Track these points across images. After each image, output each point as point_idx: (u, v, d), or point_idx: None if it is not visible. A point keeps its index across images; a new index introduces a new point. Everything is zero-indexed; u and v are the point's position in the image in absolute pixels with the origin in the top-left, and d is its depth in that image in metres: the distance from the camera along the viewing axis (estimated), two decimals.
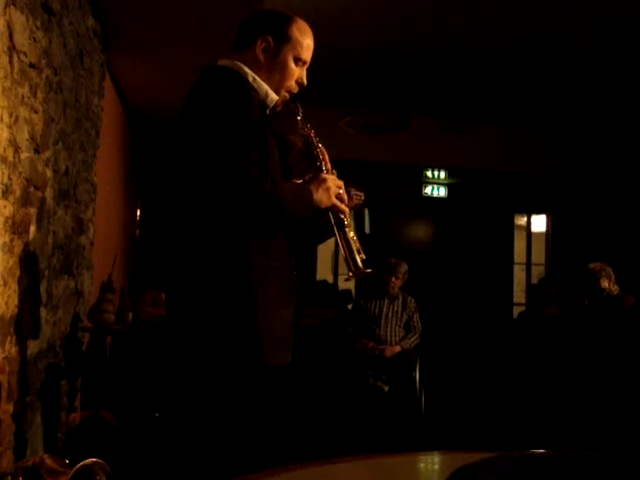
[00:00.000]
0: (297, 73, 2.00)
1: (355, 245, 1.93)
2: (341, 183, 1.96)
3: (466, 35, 5.19)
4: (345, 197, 1.97)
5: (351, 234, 1.94)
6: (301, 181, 1.99)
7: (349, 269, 1.93)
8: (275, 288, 1.85)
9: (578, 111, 6.98)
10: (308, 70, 2.05)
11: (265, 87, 1.95)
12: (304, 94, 2.09)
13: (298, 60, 1.99)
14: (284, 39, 1.96)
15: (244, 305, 1.78)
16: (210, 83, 1.85)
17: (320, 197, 1.89)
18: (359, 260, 1.91)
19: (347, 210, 1.97)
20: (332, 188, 1.91)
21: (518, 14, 4.77)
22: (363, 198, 2.19)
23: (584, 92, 6.37)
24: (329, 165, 2.01)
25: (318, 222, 2.01)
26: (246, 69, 1.93)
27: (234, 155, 1.71)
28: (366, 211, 2.77)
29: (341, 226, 1.94)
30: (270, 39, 1.96)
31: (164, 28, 4.48)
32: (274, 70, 1.97)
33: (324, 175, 1.94)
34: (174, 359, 1.94)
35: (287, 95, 2.02)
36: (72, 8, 3.55)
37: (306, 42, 1.99)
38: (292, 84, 2.01)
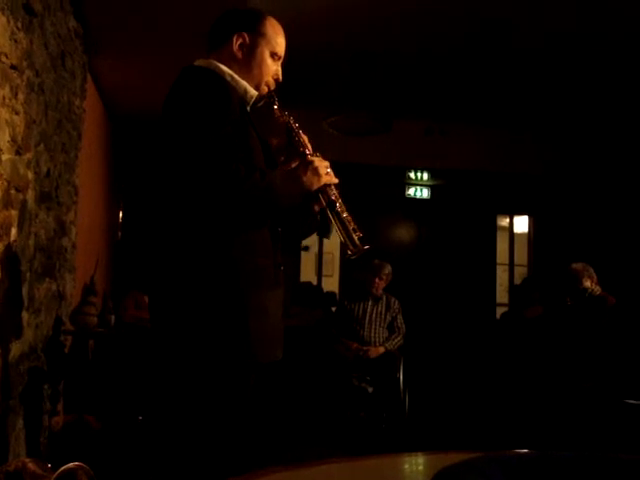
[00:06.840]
0: (273, 68, 2.02)
1: (350, 224, 1.90)
2: (327, 163, 1.93)
3: (448, 37, 5.21)
4: (333, 176, 1.94)
5: (344, 214, 1.91)
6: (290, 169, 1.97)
7: (347, 248, 1.89)
8: (262, 285, 1.85)
9: (560, 113, 7.03)
10: (291, 71, 2.06)
11: (243, 84, 1.96)
12: (288, 95, 2.09)
13: (274, 54, 2.01)
14: (259, 35, 1.99)
15: (232, 303, 1.78)
16: (188, 84, 1.85)
17: (310, 179, 1.86)
18: (356, 238, 1.88)
19: (337, 182, 1.94)
20: (320, 168, 1.89)
21: (501, 16, 4.81)
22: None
23: (567, 94, 6.42)
24: (311, 148, 1.99)
25: (305, 212, 1.99)
26: (223, 68, 1.95)
27: (220, 153, 1.71)
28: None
29: (333, 207, 1.91)
30: (246, 35, 1.98)
31: (145, 29, 4.47)
32: (252, 66, 1.98)
33: (310, 157, 1.92)
34: (162, 360, 1.93)
35: (266, 89, 2.03)
36: (54, 9, 3.53)
37: (279, 39, 2.03)
38: (270, 79, 2.03)
